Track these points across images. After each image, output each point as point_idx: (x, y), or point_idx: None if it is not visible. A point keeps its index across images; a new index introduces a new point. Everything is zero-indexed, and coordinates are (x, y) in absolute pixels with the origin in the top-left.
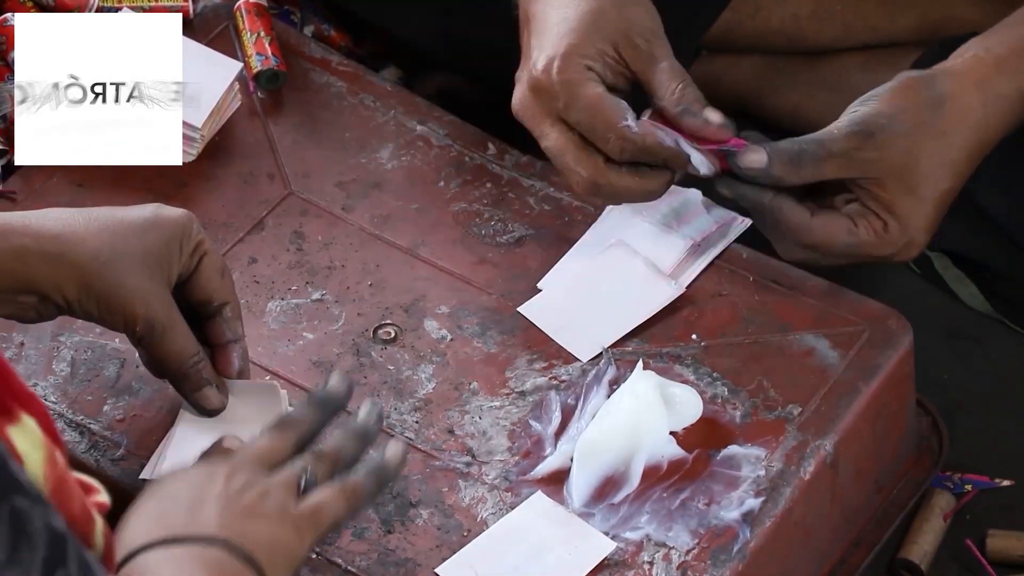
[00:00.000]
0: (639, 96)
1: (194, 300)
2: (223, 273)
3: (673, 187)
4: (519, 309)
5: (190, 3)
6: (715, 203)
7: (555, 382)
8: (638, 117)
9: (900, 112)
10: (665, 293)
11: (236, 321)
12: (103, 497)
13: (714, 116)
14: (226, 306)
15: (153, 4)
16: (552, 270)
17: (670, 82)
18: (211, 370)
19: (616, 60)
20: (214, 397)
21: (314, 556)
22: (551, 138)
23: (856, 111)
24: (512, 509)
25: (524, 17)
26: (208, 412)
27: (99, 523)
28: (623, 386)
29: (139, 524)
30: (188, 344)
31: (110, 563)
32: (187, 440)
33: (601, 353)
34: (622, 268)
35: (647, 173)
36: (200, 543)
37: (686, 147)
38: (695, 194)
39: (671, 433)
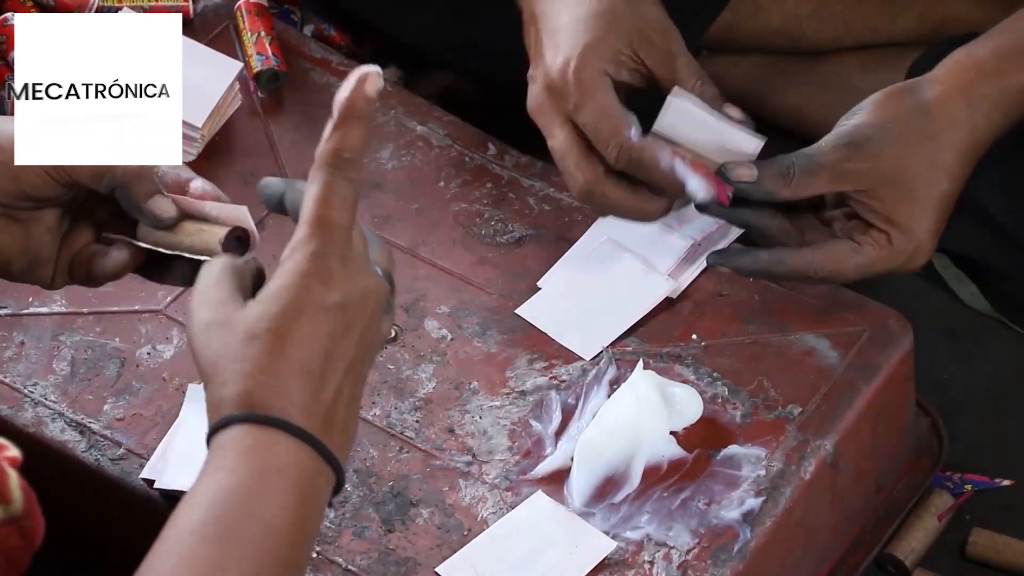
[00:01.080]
0: (654, 99)
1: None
2: None
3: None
4: (517, 311)
5: (190, 3)
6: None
7: (555, 382)
8: (646, 133)
9: (886, 121)
10: (661, 288)
11: (185, 169)
12: (13, 452)
13: (734, 112)
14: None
15: (153, 4)
16: (551, 269)
17: (688, 79)
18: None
19: (632, 58)
20: (168, 203)
21: (314, 555)
22: (558, 138)
23: (843, 124)
24: (512, 508)
25: (529, 16)
26: (164, 221)
27: (13, 476)
28: (623, 386)
29: (232, 367)
30: None
31: (34, 520)
32: (190, 439)
33: (602, 353)
34: (615, 265)
35: (644, 193)
36: (286, 431)
37: (682, 171)
38: None
39: (671, 433)
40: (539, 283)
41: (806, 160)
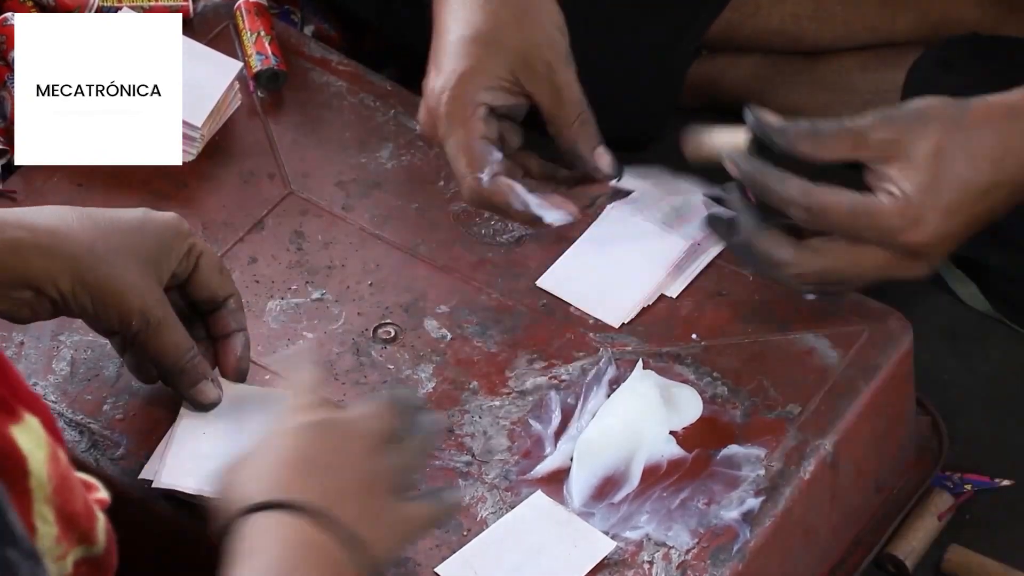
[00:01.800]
0: None
1: (198, 298)
2: (221, 270)
3: (673, 188)
4: (537, 283)
5: (190, 3)
6: (715, 203)
7: (555, 381)
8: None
9: (923, 106)
10: (679, 246)
11: (240, 312)
12: (103, 494)
13: (603, 161)
14: (230, 298)
15: (153, 4)
16: (550, 268)
17: (568, 115)
18: (207, 365)
19: (512, 84)
20: (211, 391)
21: None
22: (447, 147)
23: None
24: (512, 508)
25: (433, 14)
26: (205, 407)
27: (101, 519)
28: (623, 386)
29: (256, 475)
30: (184, 338)
31: (111, 559)
32: (188, 439)
33: (602, 352)
34: (628, 229)
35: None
36: (308, 515)
37: (537, 208)
38: (695, 194)
39: (671, 433)
40: (538, 282)
41: (835, 123)
